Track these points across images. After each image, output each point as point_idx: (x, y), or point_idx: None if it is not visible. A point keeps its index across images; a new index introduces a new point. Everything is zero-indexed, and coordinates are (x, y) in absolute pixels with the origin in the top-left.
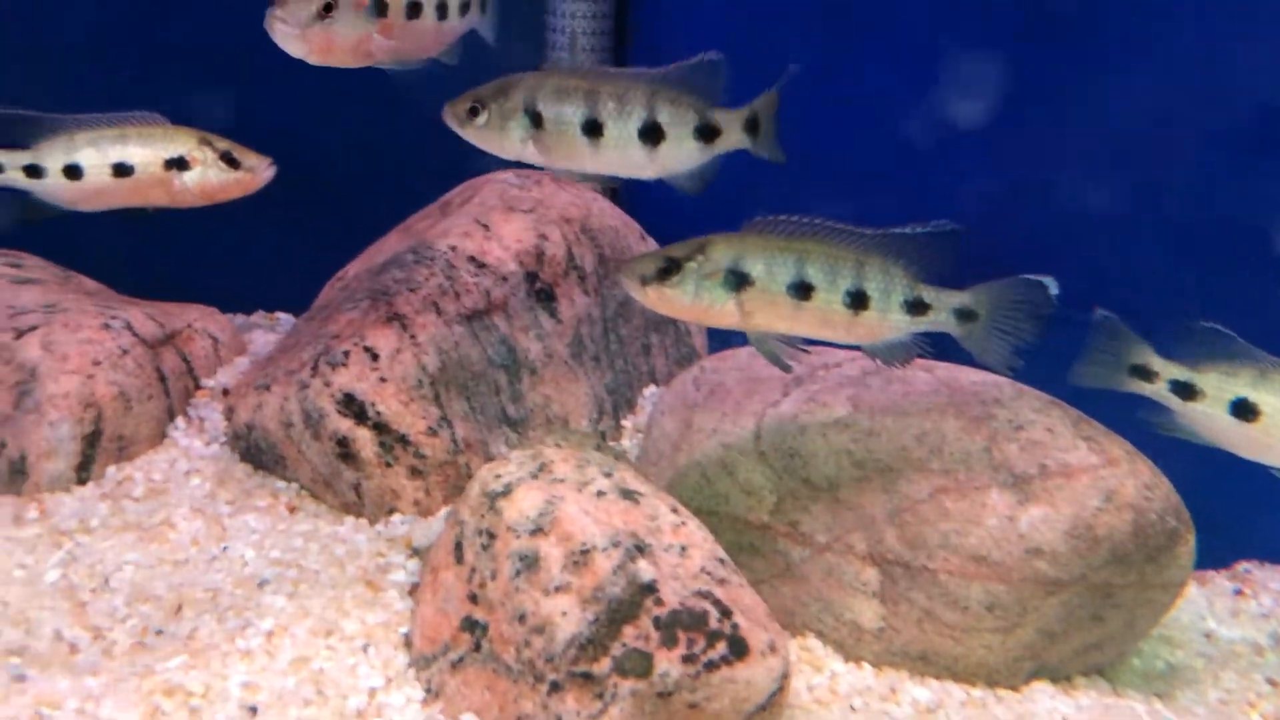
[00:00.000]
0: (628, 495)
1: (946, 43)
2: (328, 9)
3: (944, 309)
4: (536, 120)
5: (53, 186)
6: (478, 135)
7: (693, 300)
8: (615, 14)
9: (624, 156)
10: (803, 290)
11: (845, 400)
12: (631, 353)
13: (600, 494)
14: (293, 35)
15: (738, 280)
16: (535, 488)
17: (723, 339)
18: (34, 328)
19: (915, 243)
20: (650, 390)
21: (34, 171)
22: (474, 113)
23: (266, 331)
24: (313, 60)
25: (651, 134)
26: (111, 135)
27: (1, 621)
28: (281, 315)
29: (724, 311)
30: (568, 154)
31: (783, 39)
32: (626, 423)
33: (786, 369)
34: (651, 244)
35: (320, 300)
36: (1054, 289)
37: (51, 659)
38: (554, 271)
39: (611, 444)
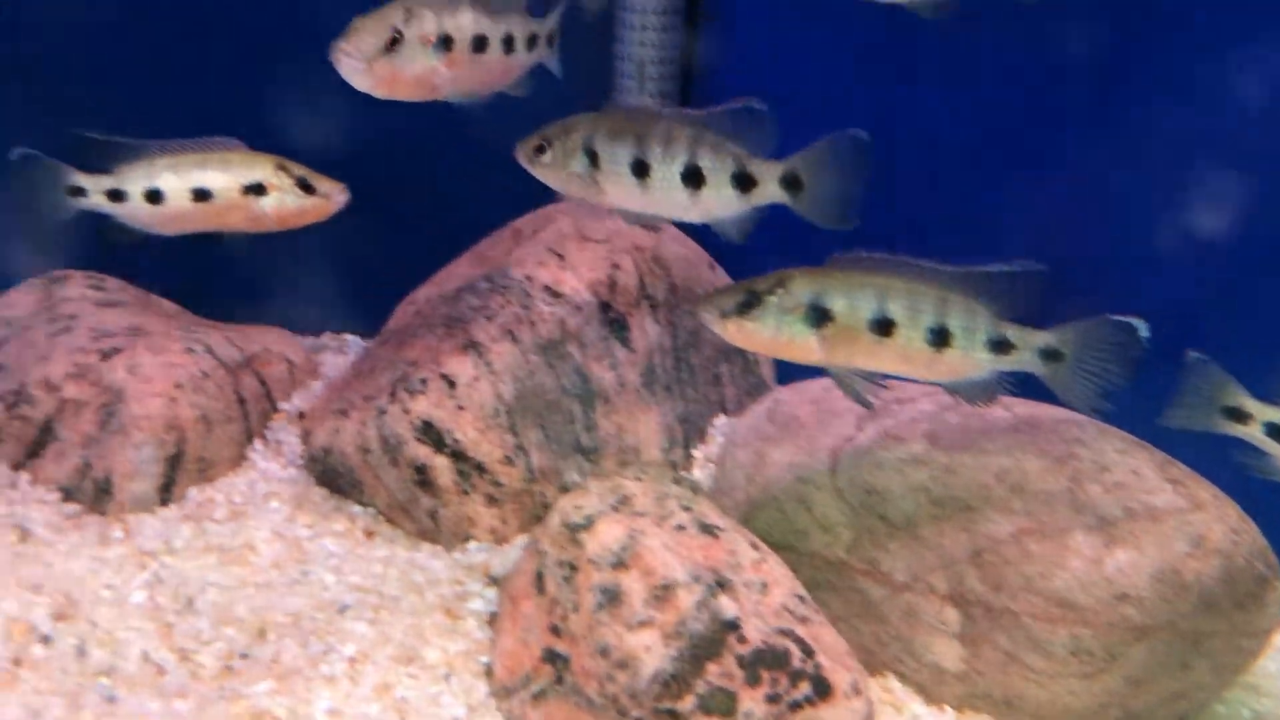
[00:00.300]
0: (707, 530)
1: (1021, 76)
2: (394, 43)
3: (1029, 348)
4: (594, 159)
5: (134, 210)
6: (543, 172)
7: (773, 335)
8: (683, 45)
9: (669, 198)
10: (884, 326)
11: (922, 436)
12: (702, 382)
13: (680, 528)
14: (358, 69)
15: (819, 315)
16: (616, 521)
17: (789, 370)
18: (119, 350)
19: (999, 281)
20: (720, 420)
21: (116, 196)
22: (540, 150)
23: (336, 353)
24: (378, 94)
25: (693, 178)
26: (191, 161)
27: (90, 642)
28: (349, 337)
29: (804, 346)
30: (620, 193)
31: (851, 75)
32: (697, 453)
33: (867, 405)
34: (720, 273)
35: (392, 324)
36: (1144, 331)
37: (140, 680)
38: (627, 301)
39: (683, 474)
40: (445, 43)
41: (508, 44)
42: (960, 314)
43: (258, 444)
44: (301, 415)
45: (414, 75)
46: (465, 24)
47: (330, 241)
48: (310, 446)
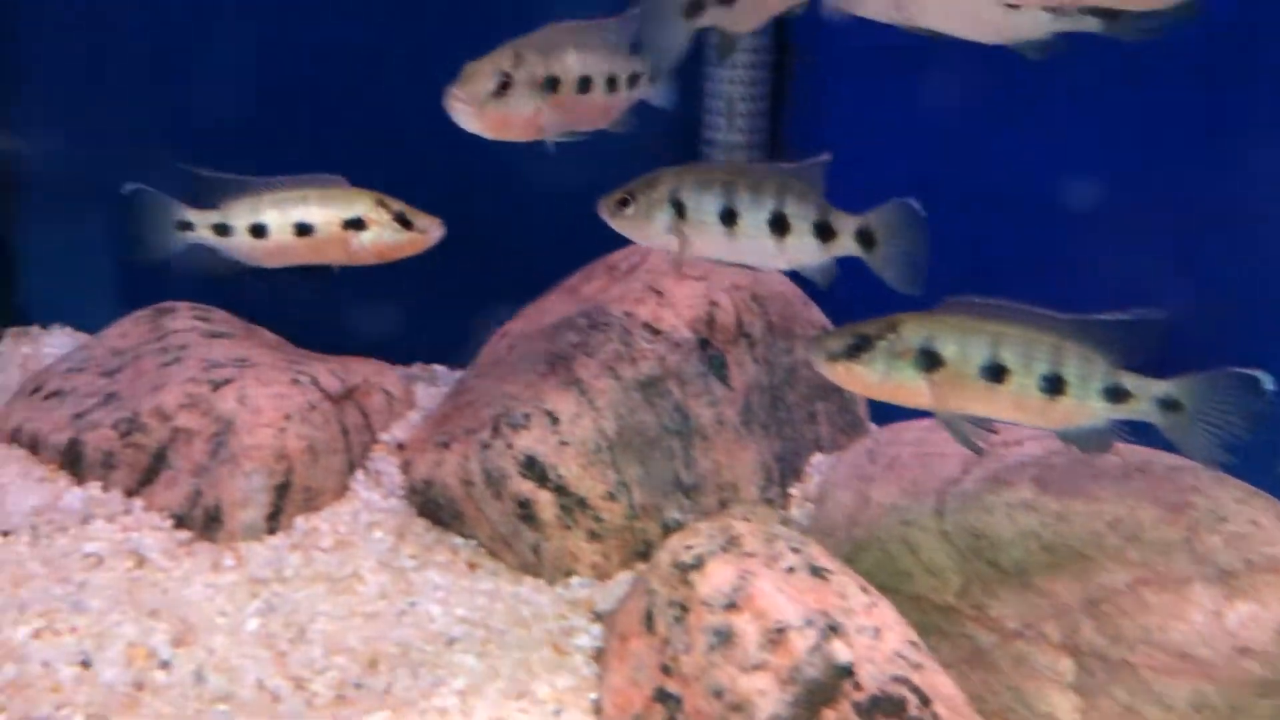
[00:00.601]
0: (817, 572)
1: (1109, 125)
2: (504, 87)
3: (1146, 398)
4: (680, 210)
5: (239, 244)
6: (627, 225)
7: (882, 379)
8: (771, 81)
9: (756, 245)
10: (996, 373)
11: (1030, 480)
12: (798, 420)
13: (790, 570)
14: (470, 113)
15: (929, 360)
16: (726, 562)
17: (885, 408)
18: (229, 381)
19: (1116, 328)
20: (817, 458)
21: (222, 230)
22: (624, 204)
23: (427, 384)
24: (488, 135)
25: (779, 225)
26: (294, 196)
27: (207, 668)
28: (438, 367)
29: (914, 391)
30: (707, 242)
31: (940, 111)
32: (794, 491)
33: (978, 451)
34: (815, 311)
35: (486, 357)
36: (1269, 385)
37: (257, 707)
38: (725, 338)
39: (785, 513)
40: (551, 84)
41: (611, 83)
42: (1075, 362)
43: (359, 474)
44: (400, 446)
45: (522, 117)
46: (571, 65)
47: (418, 272)
48: (411, 478)
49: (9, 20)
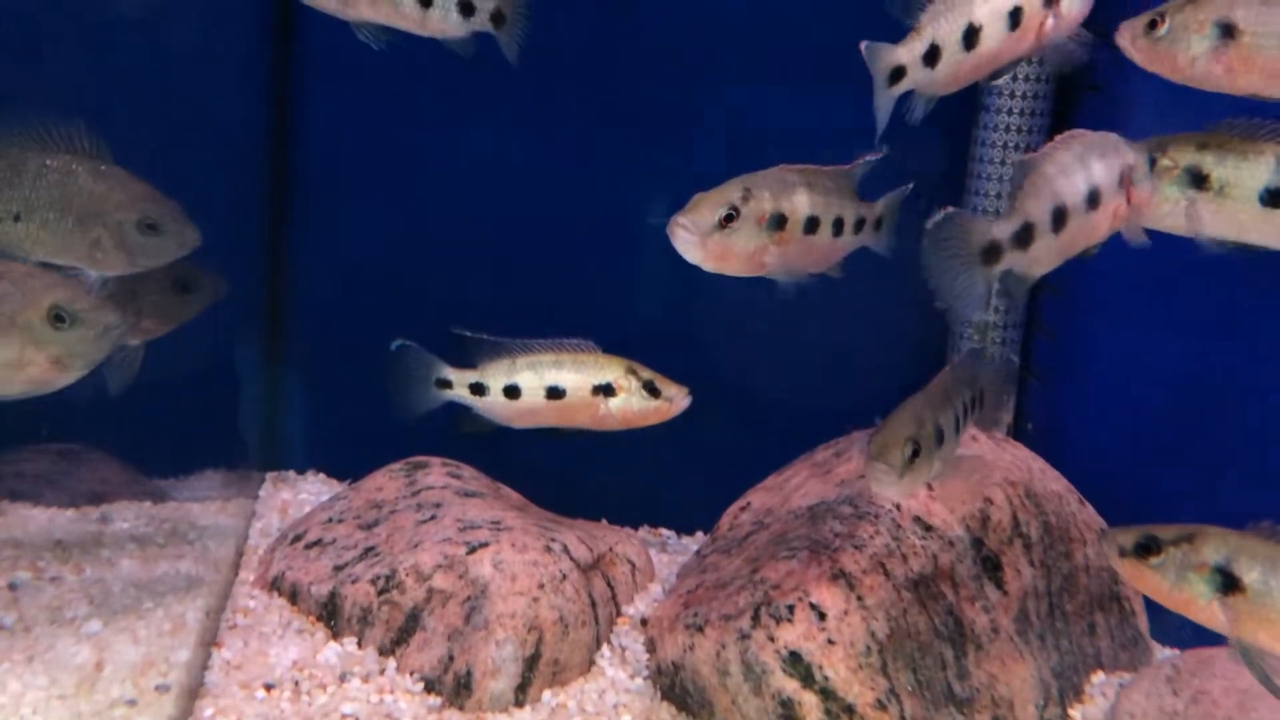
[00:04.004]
0: None
1: None
2: (729, 219)
3: None
4: (941, 439)
5: (492, 404)
6: (914, 477)
7: (1171, 588)
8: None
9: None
10: None
11: None
12: (1076, 632)
13: None
14: (693, 242)
15: (1226, 582)
16: None
17: (1167, 627)
18: (485, 544)
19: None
20: (1099, 678)
21: (478, 389)
22: (915, 456)
23: (658, 551)
24: (707, 266)
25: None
26: (549, 360)
27: None
28: (665, 532)
29: (1204, 610)
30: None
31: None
32: (1074, 713)
33: (1277, 694)
34: (1090, 511)
35: (727, 529)
36: None
37: None
38: (999, 538)
39: None
40: (778, 222)
41: (837, 226)
42: None
43: (605, 650)
44: (644, 621)
45: (745, 252)
46: (800, 205)
47: (649, 433)
48: (658, 658)
49: (287, 178)
